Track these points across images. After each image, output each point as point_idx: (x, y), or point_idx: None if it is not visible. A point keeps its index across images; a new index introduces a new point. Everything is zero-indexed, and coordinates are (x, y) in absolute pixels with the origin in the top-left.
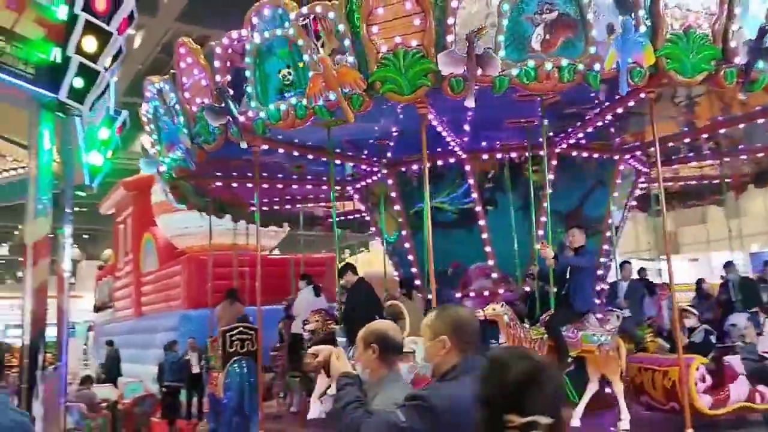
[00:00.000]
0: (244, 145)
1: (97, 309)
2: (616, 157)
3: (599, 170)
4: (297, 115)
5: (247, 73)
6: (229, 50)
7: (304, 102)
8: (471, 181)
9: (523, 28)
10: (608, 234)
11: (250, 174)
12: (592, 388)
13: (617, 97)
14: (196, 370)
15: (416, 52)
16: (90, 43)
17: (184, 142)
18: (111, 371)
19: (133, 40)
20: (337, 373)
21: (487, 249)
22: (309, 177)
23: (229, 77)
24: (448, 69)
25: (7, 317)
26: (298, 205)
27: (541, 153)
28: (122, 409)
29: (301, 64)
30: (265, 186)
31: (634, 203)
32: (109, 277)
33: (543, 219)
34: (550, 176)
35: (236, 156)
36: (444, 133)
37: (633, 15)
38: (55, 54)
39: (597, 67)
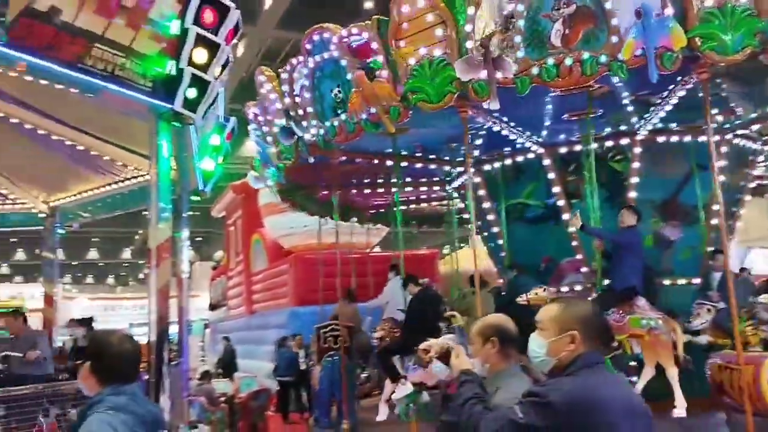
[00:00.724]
0: (311, 159)
1: (212, 307)
2: (716, 138)
3: (696, 154)
4: (348, 129)
5: (307, 95)
6: (294, 74)
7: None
8: (552, 176)
9: (541, 26)
10: (715, 222)
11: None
12: (647, 372)
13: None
14: (303, 366)
15: (440, 60)
16: (200, 55)
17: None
18: (227, 367)
19: (236, 49)
20: (456, 370)
21: (574, 243)
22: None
23: (298, 99)
24: (466, 75)
25: (132, 316)
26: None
27: (622, 142)
28: (239, 403)
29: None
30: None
31: (757, 185)
32: (222, 277)
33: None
34: (635, 165)
35: (322, 166)
36: (505, 132)
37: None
38: (170, 67)
39: (621, 56)
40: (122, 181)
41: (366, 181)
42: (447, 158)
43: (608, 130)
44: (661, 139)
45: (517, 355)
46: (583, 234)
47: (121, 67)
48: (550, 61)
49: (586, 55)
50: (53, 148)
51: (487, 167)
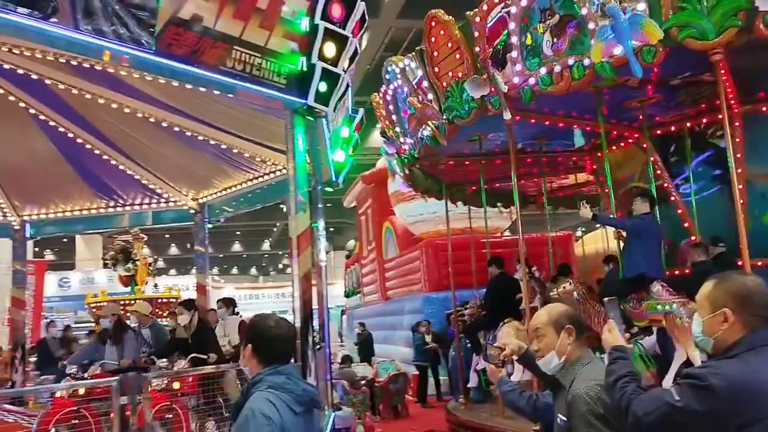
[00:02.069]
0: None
1: (348, 294)
2: None
3: None
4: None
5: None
6: (387, 96)
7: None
8: (653, 157)
9: (534, 38)
10: None
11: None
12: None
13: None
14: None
15: (463, 81)
16: (330, 49)
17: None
18: (364, 351)
19: (362, 41)
20: (609, 346)
21: (686, 224)
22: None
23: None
24: (476, 93)
25: (274, 304)
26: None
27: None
28: (379, 387)
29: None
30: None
31: None
32: (356, 264)
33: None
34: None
35: (487, 131)
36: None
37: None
38: (302, 63)
39: (592, 59)
40: (261, 177)
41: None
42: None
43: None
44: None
45: (587, 342)
46: (699, 214)
47: (258, 67)
48: (543, 70)
49: (571, 60)
50: (200, 148)
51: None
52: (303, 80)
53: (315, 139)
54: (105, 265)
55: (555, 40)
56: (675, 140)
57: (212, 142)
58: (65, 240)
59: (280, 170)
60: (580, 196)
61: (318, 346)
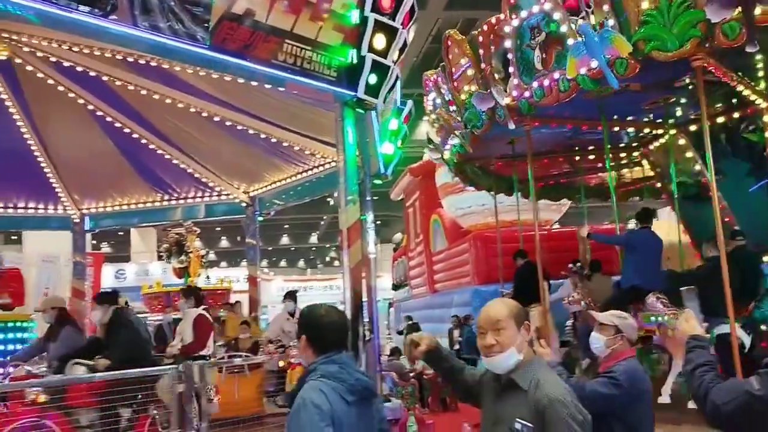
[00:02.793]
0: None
1: (395, 287)
2: None
3: None
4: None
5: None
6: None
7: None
8: (693, 153)
9: (527, 54)
10: None
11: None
12: (675, 366)
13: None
14: (457, 346)
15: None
16: (379, 41)
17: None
18: None
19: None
20: (686, 335)
21: (726, 219)
22: (590, 147)
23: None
24: (483, 107)
25: (322, 296)
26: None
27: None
28: (428, 379)
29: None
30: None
31: None
32: (403, 257)
33: None
34: None
35: (510, 135)
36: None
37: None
38: (352, 55)
39: (583, 71)
40: (311, 169)
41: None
42: (646, 120)
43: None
44: None
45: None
46: (737, 210)
47: (309, 60)
48: (535, 84)
49: (557, 74)
50: (251, 141)
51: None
52: (353, 72)
53: (364, 132)
54: (159, 257)
55: (543, 55)
56: (712, 135)
57: (263, 135)
58: (121, 233)
59: (329, 163)
60: (647, 189)
61: (368, 338)
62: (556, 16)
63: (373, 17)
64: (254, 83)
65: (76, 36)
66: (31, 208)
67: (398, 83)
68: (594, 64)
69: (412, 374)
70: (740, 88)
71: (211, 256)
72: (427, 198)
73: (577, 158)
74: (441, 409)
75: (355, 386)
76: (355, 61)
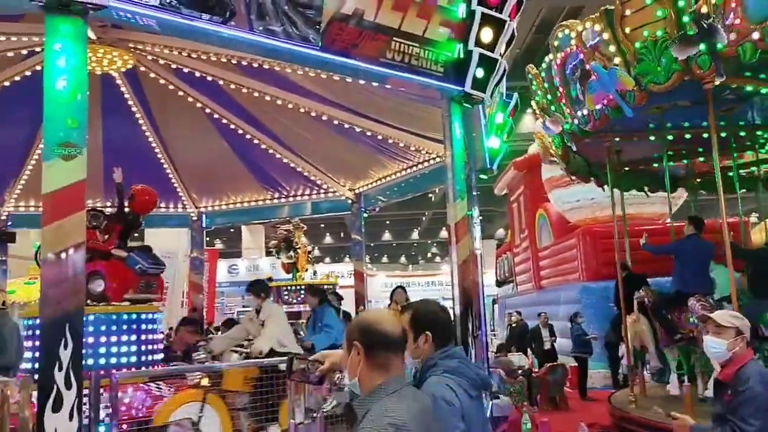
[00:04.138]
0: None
1: (500, 283)
2: None
3: None
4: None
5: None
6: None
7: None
8: None
9: (573, 88)
10: None
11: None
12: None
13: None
14: (547, 345)
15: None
16: (487, 34)
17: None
18: (520, 341)
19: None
20: None
21: None
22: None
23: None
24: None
25: (424, 293)
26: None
27: None
28: (536, 377)
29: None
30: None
31: None
32: (507, 253)
33: None
34: None
35: (685, 98)
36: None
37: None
38: (459, 50)
39: (599, 106)
40: (415, 165)
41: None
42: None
43: None
44: None
45: (398, 366)
46: None
47: (416, 57)
48: (579, 113)
49: (591, 106)
50: (357, 139)
51: None
52: (460, 67)
53: (470, 126)
54: (268, 253)
55: (582, 88)
56: None
57: (369, 133)
58: (232, 230)
59: (434, 159)
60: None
61: (476, 334)
62: (580, 57)
63: (480, 11)
64: (362, 82)
65: (195, 43)
66: None
67: (504, 76)
68: (610, 97)
69: (520, 371)
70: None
71: (316, 252)
72: (533, 192)
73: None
74: (551, 408)
75: (476, 381)
76: (462, 55)
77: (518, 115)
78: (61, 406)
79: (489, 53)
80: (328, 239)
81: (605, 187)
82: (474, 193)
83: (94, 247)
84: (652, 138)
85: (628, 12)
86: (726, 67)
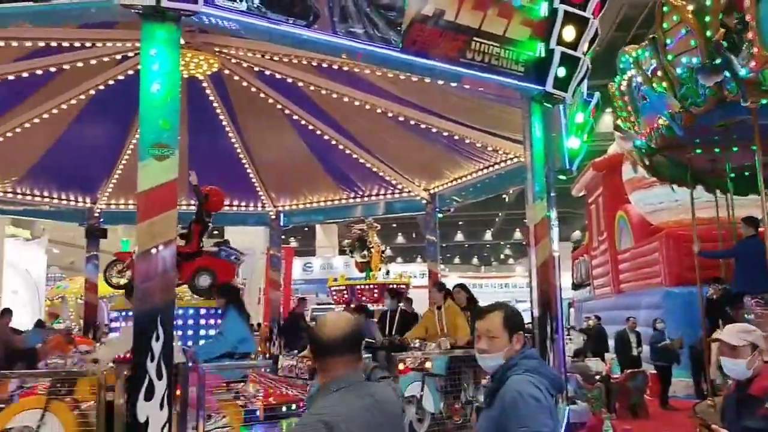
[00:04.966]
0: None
1: (576, 287)
2: None
3: None
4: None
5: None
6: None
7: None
8: None
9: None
10: None
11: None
12: None
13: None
14: (635, 352)
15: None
16: (569, 33)
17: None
18: (597, 346)
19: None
20: None
21: None
22: None
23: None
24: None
25: (498, 295)
26: None
27: None
28: (615, 383)
29: None
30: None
31: None
32: (584, 256)
33: None
34: None
35: (727, 117)
36: None
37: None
38: (540, 49)
39: (656, 123)
40: (492, 166)
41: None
42: None
43: None
44: None
45: (344, 365)
46: None
47: (496, 56)
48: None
49: (644, 127)
50: (433, 140)
51: None
52: (541, 66)
53: (550, 126)
54: (342, 252)
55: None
56: None
57: (445, 133)
58: (306, 228)
59: (510, 159)
60: None
61: (553, 338)
62: (638, 80)
63: (562, 9)
64: (440, 82)
65: (277, 46)
66: (234, 205)
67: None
68: (661, 120)
69: (598, 377)
70: None
71: (388, 251)
72: (612, 193)
73: None
74: (630, 416)
75: (555, 381)
76: (543, 54)
77: (597, 114)
78: (153, 395)
79: (571, 52)
80: (399, 239)
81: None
82: (552, 194)
83: (180, 251)
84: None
85: (668, 41)
86: (751, 91)
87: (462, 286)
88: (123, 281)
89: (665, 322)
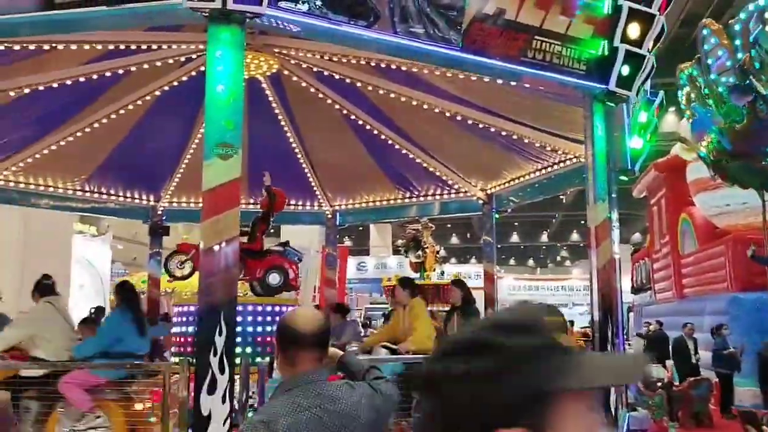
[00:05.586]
0: None
1: (636, 290)
2: None
3: None
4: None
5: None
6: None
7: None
8: None
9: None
10: None
11: None
12: None
13: None
14: (693, 360)
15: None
16: (634, 30)
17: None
18: (657, 351)
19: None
20: None
21: None
22: None
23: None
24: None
25: (554, 297)
26: None
27: None
28: (678, 391)
29: None
30: None
31: None
32: (645, 259)
33: None
34: None
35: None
36: None
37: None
38: (603, 47)
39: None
40: (551, 166)
41: None
42: None
43: None
44: None
45: (308, 361)
46: None
47: (558, 55)
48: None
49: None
50: (491, 139)
51: None
52: (604, 65)
53: (612, 126)
54: (395, 252)
55: None
56: None
57: (503, 133)
58: (360, 228)
59: (570, 159)
60: None
61: (614, 343)
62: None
63: (627, 5)
64: (499, 81)
65: (337, 46)
66: (291, 204)
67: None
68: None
69: (659, 384)
70: None
71: (442, 252)
72: (675, 195)
73: None
74: (694, 425)
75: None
76: (606, 52)
77: (661, 113)
78: (215, 389)
79: (636, 49)
80: (454, 239)
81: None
82: (613, 196)
83: (249, 248)
84: None
85: (710, 61)
86: None
87: (457, 283)
88: (184, 272)
89: (730, 328)
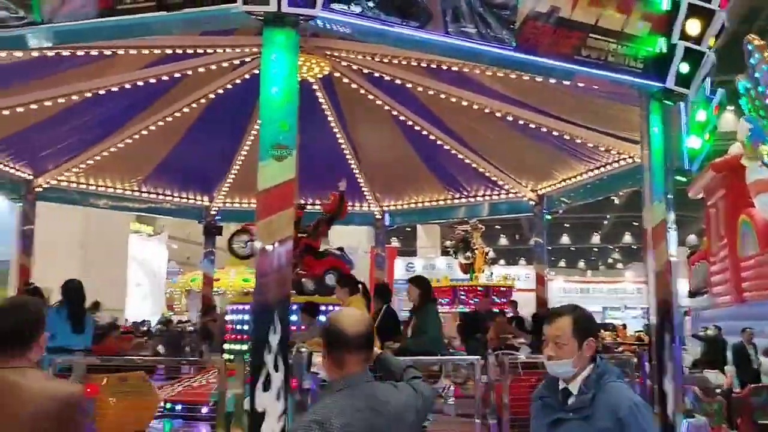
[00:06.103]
0: None
1: (692, 294)
2: None
3: None
4: None
5: None
6: None
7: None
8: None
9: None
10: None
11: None
12: None
13: None
14: (755, 365)
15: None
16: (693, 26)
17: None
18: (716, 357)
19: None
20: None
21: None
22: None
23: None
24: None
25: (606, 300)
26: None
27: None
28: (737, 398)
29: None
30: None
31: None
32: (702, 261)
33: None
34: None
35: None
36: None
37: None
38: (661, 44)
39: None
40: (603, 166)
41: None
42: None
43: None
44: None
45: (356, 363)
46: None
47: (613, 53)
48: None
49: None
50: (543, 139)
51: None
52: (661, 62)
53: (669, 125)
54: (444, 253)
55: None
56: None
57: (555, 133)
58: (408, 229)
59: (624, 159)
60: None
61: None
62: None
63: (686, 1)
64: (552, 80)
65: (387, 48)
66: None
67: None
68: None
69: (718, 390)
70: None
71: (491, 253)
72: (734, 196)
73: None
74: None
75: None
76: (664, 50)
77: (720, 112)
78: (270, 386)
79: (695, 47)
80: (503, 241)
81: None
82: (670, 197)
83: (313, 245)
84: None
85: (757, 74)
86: None
87: (415, 280)
88: (247, 252)
89: None
